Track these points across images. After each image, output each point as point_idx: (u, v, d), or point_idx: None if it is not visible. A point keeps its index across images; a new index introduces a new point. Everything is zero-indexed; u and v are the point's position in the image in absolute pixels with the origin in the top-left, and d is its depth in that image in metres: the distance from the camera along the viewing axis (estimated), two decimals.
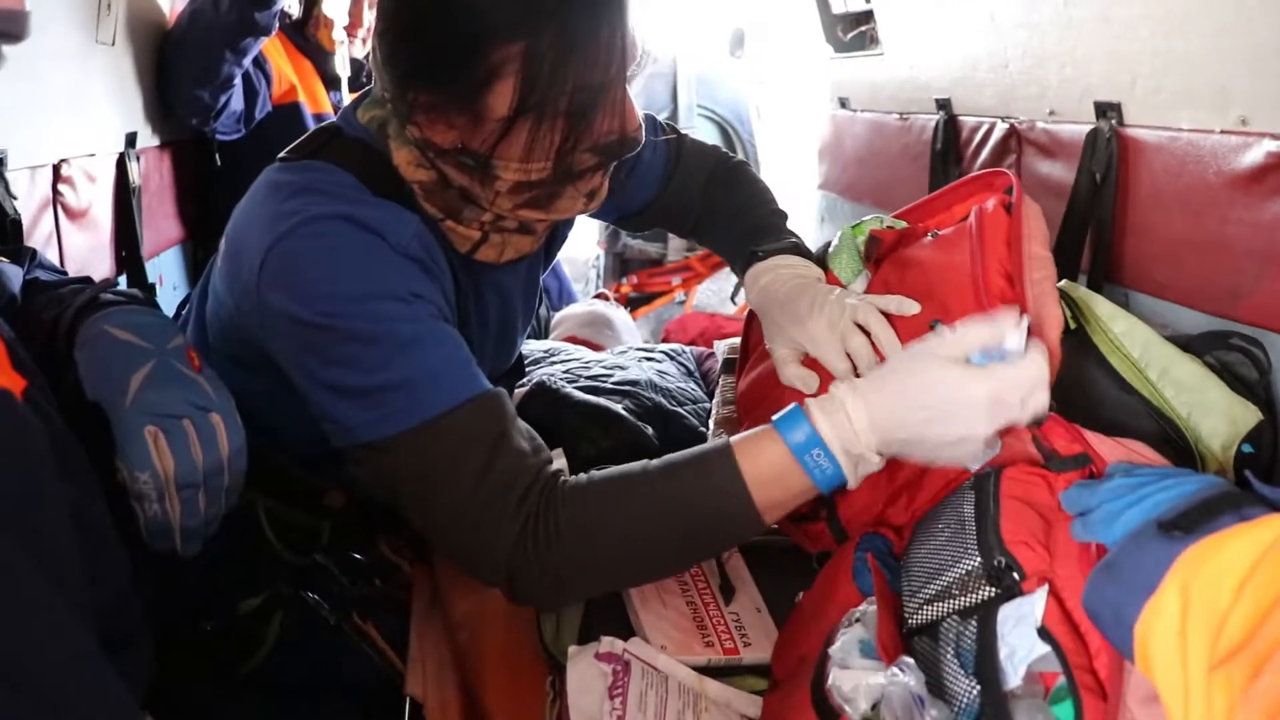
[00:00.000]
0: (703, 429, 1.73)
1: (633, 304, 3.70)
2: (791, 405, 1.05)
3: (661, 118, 1.69)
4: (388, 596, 1.48)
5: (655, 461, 1.09)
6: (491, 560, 1.05)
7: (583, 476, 1.10)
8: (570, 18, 1.07)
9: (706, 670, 1.11)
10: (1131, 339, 1.32)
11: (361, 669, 1.41)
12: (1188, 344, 1.33)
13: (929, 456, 1.00)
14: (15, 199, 1.71)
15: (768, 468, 1.02)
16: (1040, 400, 0.98)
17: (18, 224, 1.70)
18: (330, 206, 1.12)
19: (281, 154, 1.26)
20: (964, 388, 0.96)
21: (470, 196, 1.21)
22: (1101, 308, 1.36)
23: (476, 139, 1.13)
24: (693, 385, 1.97)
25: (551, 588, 1.06)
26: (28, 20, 0.85)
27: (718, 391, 1.77)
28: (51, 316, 1.07)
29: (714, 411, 1.71)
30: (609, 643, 1.07)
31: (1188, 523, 0.74)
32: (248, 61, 2.56)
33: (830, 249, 1.40)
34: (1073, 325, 1.36)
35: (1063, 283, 1.47)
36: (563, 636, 1.17)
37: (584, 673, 1.04)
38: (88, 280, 1.24)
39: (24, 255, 1.23)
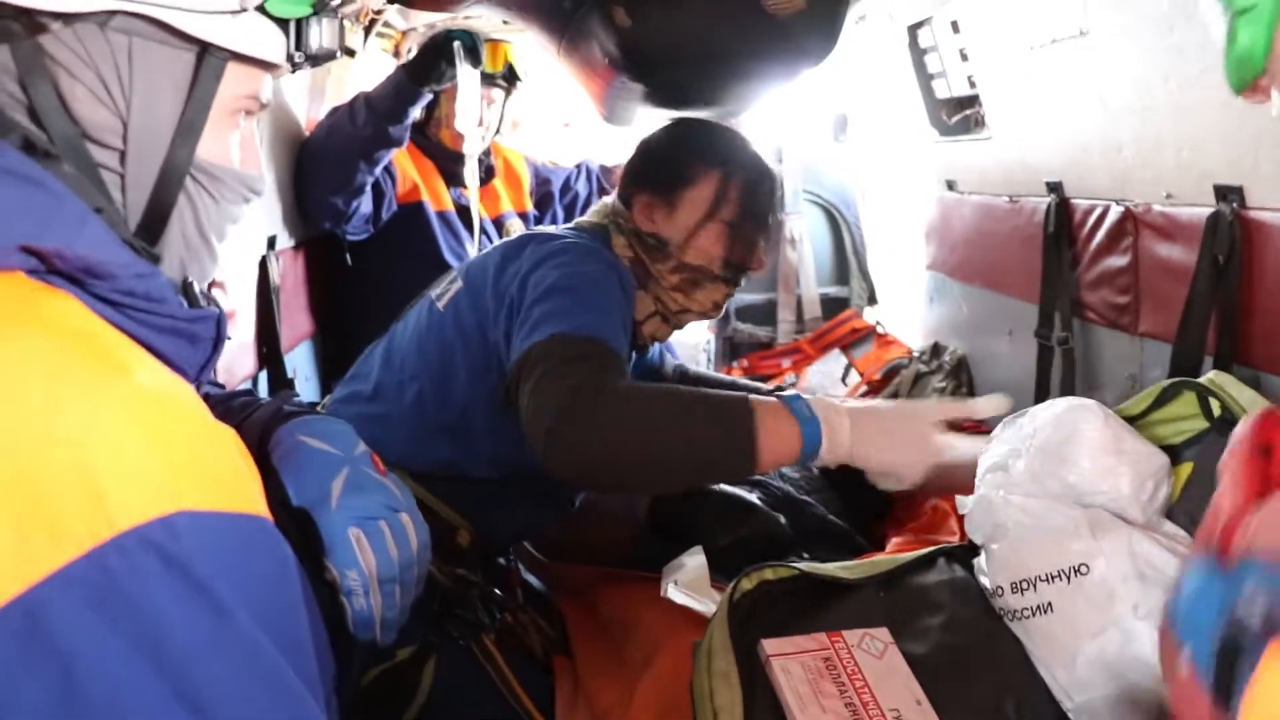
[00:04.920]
0: (831, 517, 1.77)
1: None
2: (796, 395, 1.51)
3: None
4: (516, 635, 1.68)
5: (693, 391, 1.55)
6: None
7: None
8: (750, 171, 1.86)
9: None
10: None
11: None
12: None
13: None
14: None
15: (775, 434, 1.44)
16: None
17: None
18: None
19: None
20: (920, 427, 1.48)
21: (650, 273, 1.83)
22: (1244, 395, 1.39)
23: (665, 228, 1.82)
24: (816, 472, 2.00)
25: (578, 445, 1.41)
26: (264, 182, 0.98)
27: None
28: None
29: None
30: None
31: None
32: (379, 170, 2.70)
33: None
34: (1217, 414, 1.39)
35: (1210, 374, 1.49)
36: None
37: None
38: (250, 392, 1.35)
39: None
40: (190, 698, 0.66)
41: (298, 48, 0.97)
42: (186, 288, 0.99)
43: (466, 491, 1.68)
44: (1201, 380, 1.47)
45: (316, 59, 0.99)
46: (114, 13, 0.85)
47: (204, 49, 0.91)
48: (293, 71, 1.00)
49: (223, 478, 0.74)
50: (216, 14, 0.89)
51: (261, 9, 0.93)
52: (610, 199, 1.95)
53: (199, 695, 0.67)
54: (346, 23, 2.50)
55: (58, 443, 0.67)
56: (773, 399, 1.49)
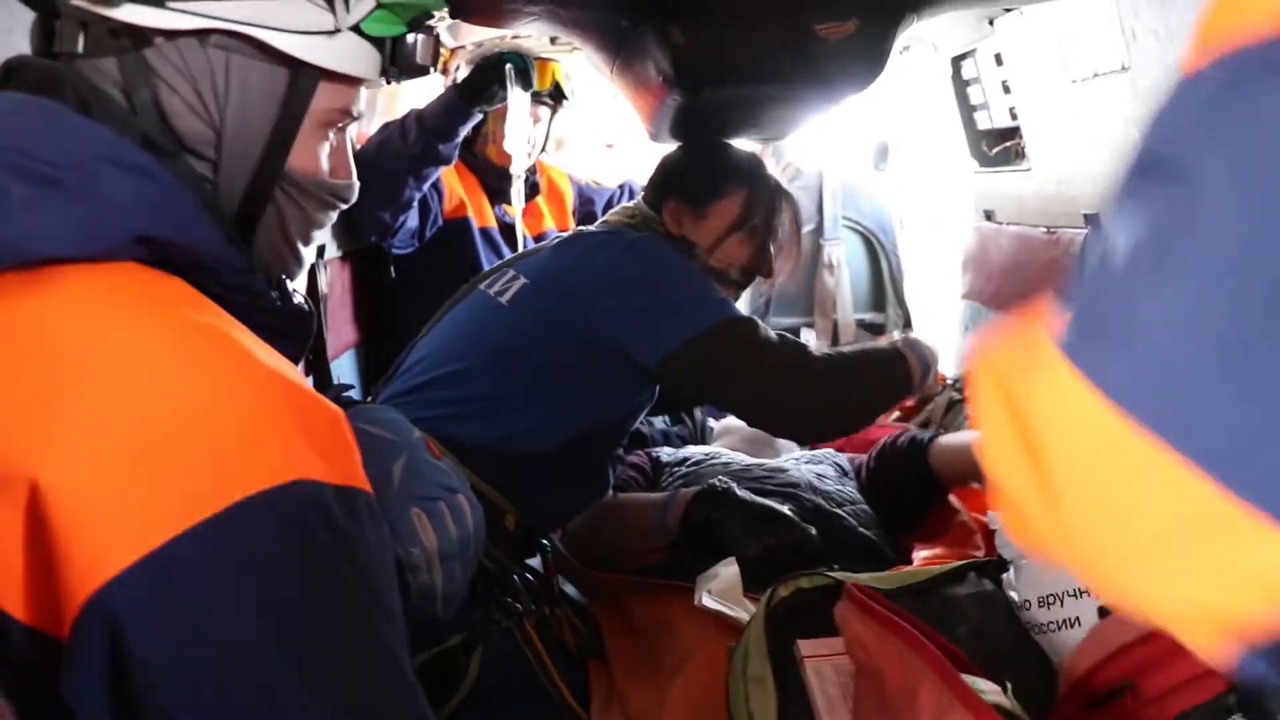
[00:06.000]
0: (862, 530, 1.79)
1: None
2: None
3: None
4: (552, 629, 1.71)
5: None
6: None
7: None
8: (773, 189, 2.04)
9: None
10: None
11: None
12: None
13: None
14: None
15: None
16: None
17: None
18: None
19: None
20: None
21: None
22: None
23: (692, 233, 1.97)
24: (850, 487, 2.03)
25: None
26: (356, 190, 1.04)
27: None
28: None
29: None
30: None
31: None
32: (427, 186, 2.76)
33: None
34: None
35: None
36: None
37: None
38: None
39: None
40: (294, 651, 0.72)
41: (393, 63, 1.02)
42: (280, 284, 1.04)
43: (513, 473, 1.72)
44: None
45: (410, 74, 1.04)
46: (214, 30, 0.91)
47: (298, 66, 0.95)
48: (387, 84, 1.05)
49: (335, 452, 0.80)
50: (312, 34, 0.94)
51: (356, 28, 0.97)
52: (632, 204, 2.07)
53: (299, 646, 0.72)
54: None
55: (190, 414, 0.73)
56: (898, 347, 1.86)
